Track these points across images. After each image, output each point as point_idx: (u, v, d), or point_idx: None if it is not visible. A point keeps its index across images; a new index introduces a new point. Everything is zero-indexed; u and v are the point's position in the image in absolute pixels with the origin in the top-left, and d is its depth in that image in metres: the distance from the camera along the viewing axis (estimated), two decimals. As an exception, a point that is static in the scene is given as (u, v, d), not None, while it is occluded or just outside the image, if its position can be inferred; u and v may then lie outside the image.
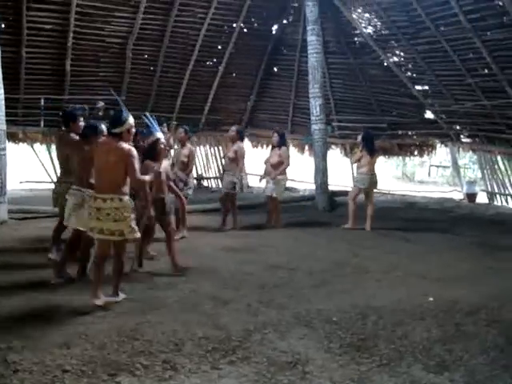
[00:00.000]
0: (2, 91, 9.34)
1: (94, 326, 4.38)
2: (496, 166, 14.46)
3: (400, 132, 15.55)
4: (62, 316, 4.68)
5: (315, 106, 12.17)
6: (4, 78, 9.47)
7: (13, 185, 12.00)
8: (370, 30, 13.87)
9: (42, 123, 13.60)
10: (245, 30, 14.97)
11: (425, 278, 6.39)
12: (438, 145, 15.73)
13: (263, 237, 8.71)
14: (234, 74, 15.92)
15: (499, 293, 5.70)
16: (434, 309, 5.12)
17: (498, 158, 14.32)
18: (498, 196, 14.49)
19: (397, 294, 5.63)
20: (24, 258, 6.81)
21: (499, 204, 14.23)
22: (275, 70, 16.39)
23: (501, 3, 10.31)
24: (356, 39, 14.55)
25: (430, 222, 10.89)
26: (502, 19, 10.59)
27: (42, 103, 13.31)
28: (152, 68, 14.53)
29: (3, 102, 9.36)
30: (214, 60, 15.24)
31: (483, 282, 6.22)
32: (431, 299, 5.42)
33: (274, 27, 15.44)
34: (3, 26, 12.23)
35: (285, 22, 15.37)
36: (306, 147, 16.20)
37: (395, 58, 14.07)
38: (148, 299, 5.25)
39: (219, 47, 14.97)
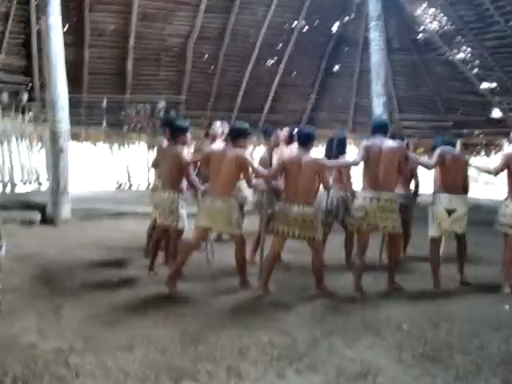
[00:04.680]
0: (66, 91, 9.47)
1: (157, 329, 4.31)
2: None
3: (466, 131, 14.99)
4: (124, 317, 4.64)
5: (378, 104, 11.84)
6: (67, 78, 9.59)
7: (75, 184, 12.20)
8: (434, 25, 13.42)
9: (105, 123, 13.76)
10: (305, 28, 14.72)
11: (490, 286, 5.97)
12: (506, 144, 15.08)
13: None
14: (295, 73, 15.68)
15: None
16: (509, 318, 4.82)
17: None
18: None
19: (469, 301, 5.36)
20: (86, 256, 6.86)
21: None
22: (336, 68, 16.08)
23: None
24: (420, 35, 14.09)
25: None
26: None
27: (105, 103, 13.47)
28: (212, 67, 14.50)
29: (67, 101, 9.49)
30: (275, 59, 15.05)
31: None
32: (507, 307, 5.12)
33: (335, 25, 15.13)
34: (66, 27, 12.44)
35: (346, 19, 15.04)
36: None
37: (461, 55, 13.55)
38: (210, 301, 5.15)
39: (279, 46, 14.78)
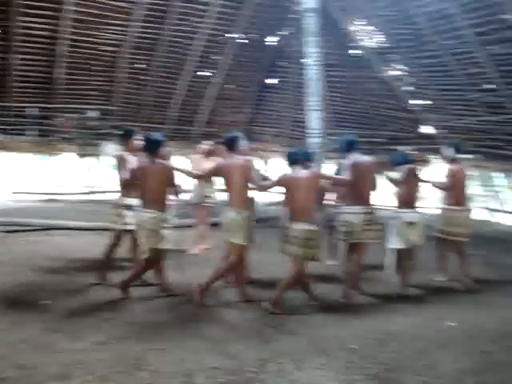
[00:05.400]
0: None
1: (95, 354, 4.00)
2: (495, 183, 14.27)
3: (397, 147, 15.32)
4: (58, 340, 4.30)
5: (314, 119, 11.86)
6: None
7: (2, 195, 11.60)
8: (370, 42, 13.66)
9: (33, 132, 13.17)
10: (243, 41, 14.67)
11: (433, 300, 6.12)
12: (434, 160, 15.50)
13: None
14: (232, 86, 15.60)
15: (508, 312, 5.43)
16: (456, 335, 4.80)
17: (497, 174, 14.14)
18: (496, 213, 14.29)
19: (412, 317, 5.33)
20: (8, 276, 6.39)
21: (499, 221, 14.02)
22: (274, 82, 16.11)
23: (507, 17, 10.10)
24: (356, 52, 14.31)
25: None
26: (508, 33, 10.38)
27: (33, 112, 12.91)
28: (146, 78, 14.18)
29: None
30: (211, 71, 14.91)
31: (500, 304, 5.94)
32: (452, 324, 5.11)
33: (273, 39, 15.16)
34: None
35: (284, 33, 15.10)
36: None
37: (395, 72, 13.84)
38: (149, 323, 4.88)
39: (216, 58, 14.66)
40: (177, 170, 5.97)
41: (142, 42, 13.43)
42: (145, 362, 3.88)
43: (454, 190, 6.77)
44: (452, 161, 6.91)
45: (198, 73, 14.75)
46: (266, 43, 15.21)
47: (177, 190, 5.85)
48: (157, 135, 5.88)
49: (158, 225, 5.47)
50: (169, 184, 5.66)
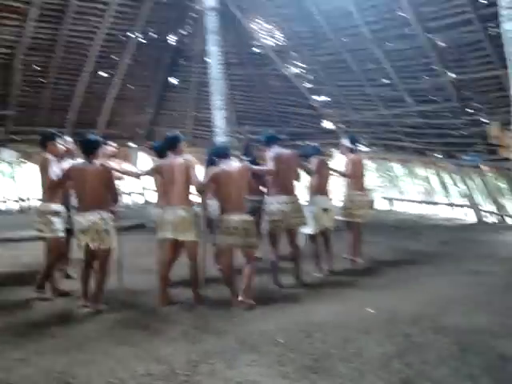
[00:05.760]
0: None
1: (17, 371, 3.78)
2: (394, 173, 14.94)
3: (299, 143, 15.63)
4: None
5: (219, 117, 11.87)
6: None
7: None
8: (270, 41, 13.84)
9: None
10: (143, 40, 14.40)
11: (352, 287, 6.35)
12: (335, 153, 15.98)
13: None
14: (133, 87, 15.27)
15: (431, 299, 5.69)
16: (377, 321, 4.96)
17: (396, 165, 14.82)
18: (396, 202, 14.99)
19: (333, 305, 5.46)
20: None
21: (399, 210, 14.69)
22: (174, 81, 15.95)
23: (402, 14, 10.55)
24: (256, 50, 14.45)
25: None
26: (403, 30, 10.86)
27: None
28: (43, 80, 13.59)
29: None
30: (111, 71, 14.51)
31: (411, 288, 6.21)
32: (372, 311, 5.28)
33: (173, 38, 15.00)
34: None
35: (184, 32, 14.97)
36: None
37: (296, 69, 14.11)
38: (74, 335, 4.68)
39: (116, 58, 14.28)
40: (117, 170, 5.88)
41: (39, 43, 12.83)
42: (71, 375, 3.71)
43: (354, 178, 7.53)
44: (350, 151, 7.66)
45: (98, 73, 14.31)
46: (167, 42, 15.01)
47: (116, 192, 5.71)
48: (94, 136, 5.87)
49: (97, 226, 5.34)
50: (107, 185, 5.51)
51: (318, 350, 4.27)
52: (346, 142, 7.78)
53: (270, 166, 6.32)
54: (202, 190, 5.82)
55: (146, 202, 15.06)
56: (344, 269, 7.28)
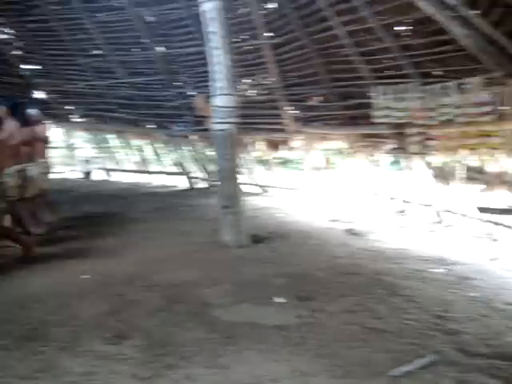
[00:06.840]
0: None
1: None
2: (109, 144, 15.17)
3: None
4: None
5: None
6: None
7: None
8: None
9: None
10: None
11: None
12: (54, 126, 15.55)
13: None
14: None
15: (146, 260, 6.15)
16: (92, 285, 5.20)
17: (111, 136, 15.04)
18: (113, 172, 15.27)
19: (53, 276, 5.55)
20: None
21: (115, 180, 14.98)
22: None
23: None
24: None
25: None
26: (112, 2, 10.99)
27: None
28: None
29: None
30: None
31: (129, 252, 6.59)
32: (86, 276, 5.50)
33: None
34: None
35: None
36: None
37: (3, 36, 13.24)
38: None
39: None
40: None
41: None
42: None
43: (39, 146, 7.68)
44: (34, 121, 7.72)
45: None
46: None
47: None
48: None
49: None
50: None
51: (33, 319, 4.35)
52: (31, 111, 7.79)
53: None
54: None
55: None
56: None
